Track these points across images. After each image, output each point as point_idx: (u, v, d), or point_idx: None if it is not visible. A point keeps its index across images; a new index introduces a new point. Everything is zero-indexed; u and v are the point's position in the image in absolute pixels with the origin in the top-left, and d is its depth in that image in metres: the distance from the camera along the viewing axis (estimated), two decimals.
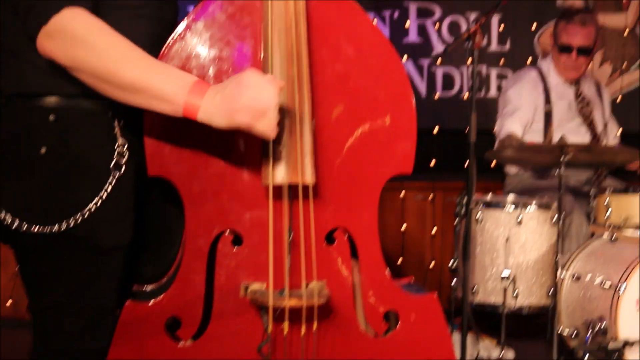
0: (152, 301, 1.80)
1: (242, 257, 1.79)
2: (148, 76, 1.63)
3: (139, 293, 1.87)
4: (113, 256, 1.80)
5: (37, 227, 1.70)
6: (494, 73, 5.61)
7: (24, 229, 1.70)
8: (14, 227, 1.70)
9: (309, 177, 1.73)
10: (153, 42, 1.77)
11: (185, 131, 1.75)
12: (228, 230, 1.79)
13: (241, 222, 1.79)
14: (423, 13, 5.56)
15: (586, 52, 4.24)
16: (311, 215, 1.76)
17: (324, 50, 1.78)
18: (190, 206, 1.79)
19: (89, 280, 1.77)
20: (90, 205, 1.72)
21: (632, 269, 3.22)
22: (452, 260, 3.86)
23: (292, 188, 1.75)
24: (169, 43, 1.75)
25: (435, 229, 5.01)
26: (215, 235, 1.79)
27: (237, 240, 1.79)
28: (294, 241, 1.77)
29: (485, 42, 5.47)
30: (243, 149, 1.77)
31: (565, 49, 4.22)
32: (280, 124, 1.68)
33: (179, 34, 1.75)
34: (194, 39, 1.75)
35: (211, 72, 1.75)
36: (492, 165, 4.84)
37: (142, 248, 1.90)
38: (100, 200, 1.73)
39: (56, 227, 1.70)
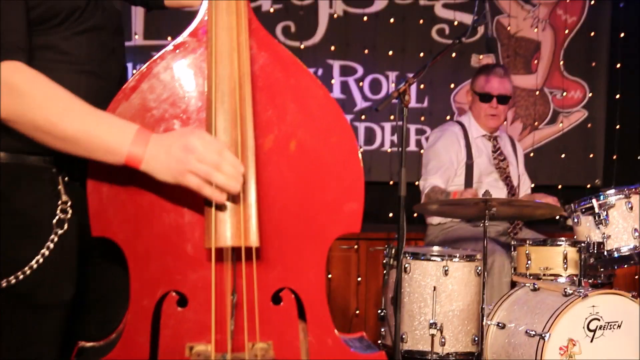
0: None
1: (187, 318, 1.66)
2: (89, 127, 1.54)
3: (83, 351, 1.72)
4: (54, 313, 1.69)
5: None
6: (413, 128, 5.62)
7: None
8: None
9: (253, 240, 1.61)
10: (97, 97, 1.67)
11: (129, 190, 1.63)
12: (173, 291, 1.66)
13: (186, 283, 1.66)
14: (345, 71, 5.56)
15: (505, 100, 4.32)
16: (254, 277, 1.65)
17: (270, 112, 1.68)
18: (134, 266, 1.66)
19: (29, 338, 1.66)
20: (32, 262, 1.62)
21: (556, 318, 3.21)
22: (380, 309, 3.81)
23: (236, 249, 1.63)
24: (114, 101, 1.63)
25: (359, 278, 4.95)
26: (160, 295, 1.66)
27: (182, 301, 1.66)
28: (238, 303, 1.65)
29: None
30: (187, 208, 1.65)
31: (487, 98, 4.28)
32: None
33: (123, 93, 1.64)
34: (139, 100, 1.64)
35: (160, 130, 1.64)
36: (415, 215, 4.83)
37: (85, 305, 1.78)
38: (42, 258, 1.63)
39: None
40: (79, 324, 1.80)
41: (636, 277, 4.94)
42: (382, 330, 3.80)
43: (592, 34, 5.90)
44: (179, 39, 1.68)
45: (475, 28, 3.75)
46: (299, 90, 1.72)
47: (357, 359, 1.75)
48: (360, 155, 1.74)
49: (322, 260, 1.74)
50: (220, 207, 1.59)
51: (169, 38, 5.04)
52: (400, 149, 3.34)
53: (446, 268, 3.59)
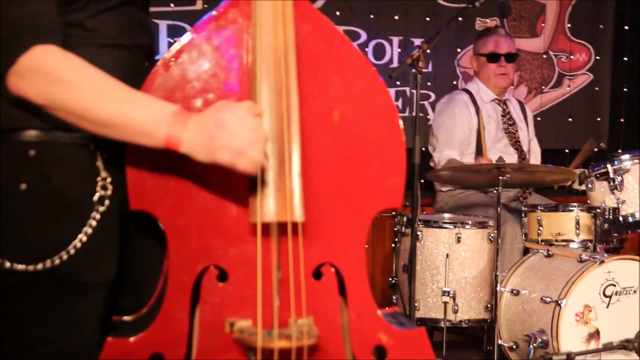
0: (133, 337, 1.65)
1: (227, 294, 1.66)
2: (126, 110, 1.52)
3: (118, 325, 1.72)
4: (97, 293, 1.67)
5: (20, 265, 1.56)
6: (415, 93, 5.57)
7: (6, 267, 1.56)
8: None
9: (298, 215, 1.60)
10: (131, 72, 1.65)
11: (169, 164, 1.61)
12: (213, 266, 1.65)
13: (227, 258, 1.65)
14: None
15: (512, 57, 4.35)
16: (300, 252, 1.64)
17: (313, 84, 1.66)
18: (173, 241, 1.64)
19: (72, 319, 1.64)
20: (75, 242, 1.59)
21: (572, 284, 3.24)
22: (391, 277, 3.83)
23: (280, 224, 1.62)
24: (152, 72, 1.61)
25: (366, 245, 4.93)
26: (200, 270, 1.65)
27: (223, 276, 1.65)
28: (282, 278, 1.64)
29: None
30: (230, 182, 1.63)
31: (495, 58, 4.29)
32: (269, 160, 1.57)
33: (163, 65, 1.61)
34: (179, 71, 1.61)
35: (198, 104, 1.61)
36: (422, 181, 4.82)
37: (120, 280, 1.75)
38: (85, 236, 1.60)
39: (40, 265, 1.57)
40: (114, 300, 1.77)
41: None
42: (394, 297, 3.83)
43: None
44: (220, 9, 1.65)
45: None
46: (341, 62, 1.70)
47: (399, 334, 1.74)
48: (402, 129, 1.73)
49: (363, 236, 1.73)
50: (265, 181, 1.57)
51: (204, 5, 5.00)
52: (414, 115, 3.33)
53: (459, 235, 3.61)
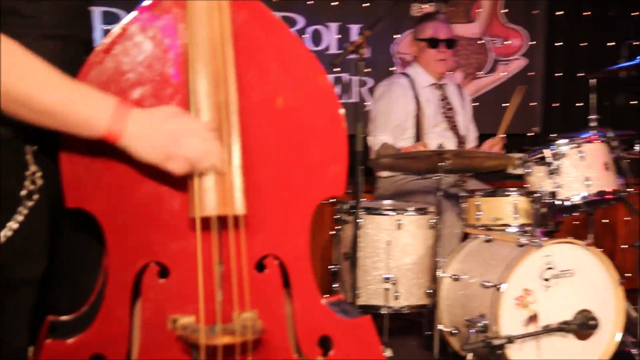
0: (73, 338, 1.60)
1: (169, 290, 1.62)
2: (68, 99, 1.47)
3: (57, 326, 1.66)
4: (25, 290, 1.62)
5: None
6: (355, 80, 5.57)
7: None
8: None
9: (239, 208, 1.58)
10: (67, 62, 1.59)
11: (106, 159, 1.57)
12: (153, 262, 1.62)
13: (167, 254, 1.62)
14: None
15: (452, 43, 4.40)
16: (242, 246, 1.61)
17: (252, 73, 1.63)
18: (112, 238, 1.60)
19: (4, 314, 1.58)
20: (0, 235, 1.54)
21: (512, 268, 3.27)
22: (332, 264, 3.84)
23: (221, 218, 1.59)
24: (86, 65, 1.56)
25: None
26: (140, 267, 1.61)
27: (164, 272, 1.62)
28: (224, 273, 1.62)
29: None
30: (168, 176, 1.58)
31: (435, 43, 4.32)
32: None
33: (96, 57, 1.56)
34: (113, 63, 1.57)
35: (135, 96, 1.57)
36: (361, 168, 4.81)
37: (57, 277, 1.71)
38: (9, 232, 1.55)
39: None
40: (49, 298, 1.72)
41: (574, 223, 5.03)
42: (335, 285, 3.83)
43: None
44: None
45: None
46: (280, 50, 1.67)
47: (344, 324, 1.73)
48: (343, 116, 1.71)
49: (306, 226, 1.71)
50: (204, 174, 1.55)
51: None
52: (355, 101, 3.34)
53: (400, 222, 3.63)
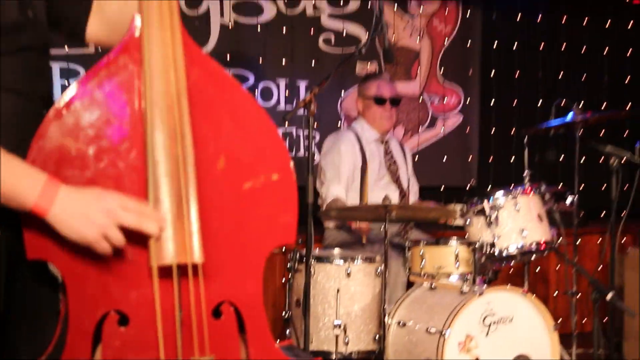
0: None
1: (129, 337, 1.59)
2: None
3: None
4: None
5: None
6: (302, 134, 5.59)
7: None
8: None
9: (197, 257, 1.56)
10: (27, 120, 1.58)
11: None
12: (113, 311, 1.58)
13: (127, 302, 1.58)
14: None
15: (396, 102, 4.44)
16: (202, 293, 1.59)
17: (207, 127, 1.62)
18: (72, 287, 1.57)
19: None
20: None
21: (455, 315, 3.28)
22: (284, 311, 3.80)
23: (180, 266, 1.57)
24: (45, 120, 1.54)
25: None
26: (100, 316, 1.58)
27: (124, 320, 1.59)
28: (183, 319, 1.59)
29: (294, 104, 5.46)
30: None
31: (381, 101, 4.35)
32: (165, 204, 1.54)
33: (55, 114, 1.54)
34: (71, 119, 1.55)
35: (91, 152, 1.55)
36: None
37: (12, 324, 1.65)
38: None
39: None
40: (7, 343, 1.67)
41: (510, 272, 5.08)
42: (287, 331, 3.78)
43: (468, 44, 6.06)
44: (111, 55, 1.60)
45: (373, 39, 3.82)
46: (232, 105, 1.67)
47: None
48: (292, 167, 1.71)
49: (259, 273, 1.69)
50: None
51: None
52: (304, 155, 3.34)
53: (348, 270, 3.61)
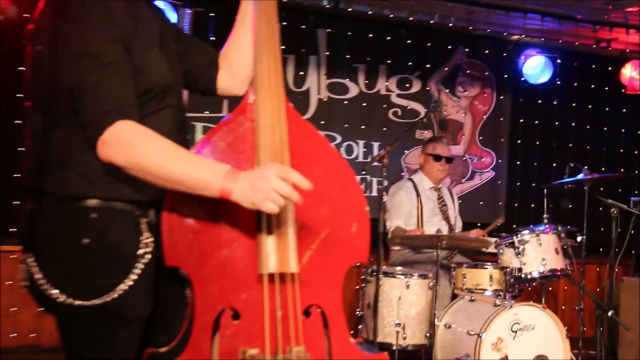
0: None
1: (240, 329, 1.47)
2: (190, 169, 1.35)
3: (156, 356, 1.51)
4: (135, 326, 1.47)
5: (80, 301, 1.38)
6: (374, 180, 5.42)
7: (67, 302, 1.38)
8: (60, 301, 1.38)
9: (294, 267, 1.45)
10: (178, 128, 1.52)
11: (194, 230, 1.44)
12: (229, 308, 1.46)
13: (239, 301, 1.47)
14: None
15: (450, 160, 4.24)
16: (297, 296, 1.47)
17: (302, 172, 1.46)
18: (198, 289, 1.46)
19: (116, 347, 1.45)
20: (122, 285, 1.41)
21: (490, 322, 3.08)
22: (357, 311, 3.63)
23: (281, 275, 1.45)
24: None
25: None
26: (219, 312, 1.46)
27: (236, 315, 1.47)
28: (282, 316, 1.46)
29: (370, 158, 5.32)
30: (239, 244, 1.46)
31: (438, 158, 4.15)
32: (273, 227, 1.43)
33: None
34: (208, 154, 1.47)
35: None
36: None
37: (155, 318, 1.54)
38: (130, 282, 1.42)
39: (95, 301, 1.39)
40: (149, 327, 1.56)
41: (529, 289, 4.79)
42: (360, 326, 3.61)
43: (500, 119, 5.82)
44: (231, 116, 1.51)
45: (429, 114, 3.69)
46: (321, 156, 1.56)
47: (368, 358, 1.56)
48: (367, 206, 1.58)
49: (340, 283, 1.55)
50: (269, 242, 1.42)
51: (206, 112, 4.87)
52: (378, 196, 3.21)
53: (408, 283, 3.43)
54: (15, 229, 3.96)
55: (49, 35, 1.38)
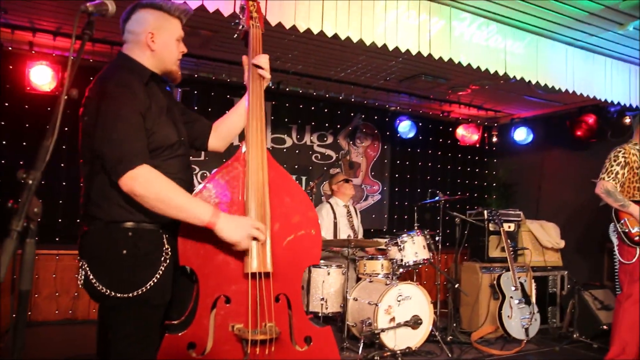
0: (179, 334, 1.42)
1: (230, 310, 1.46)
2: (188, 203, 1.36)
3: (170, 326, 1.47)
4: (160, 310, 1.45)
5: (121, 294, 1.36)
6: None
7: (112, 295, 1.35)
8: (107, 294, 1.35)
9: (269, 268, 1.46)
10: (185, 169, 1.51)
11: (200, 244, 1.44)
12: (222, 295, 1.46)
13: (230, 291, 1.46)
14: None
15: (348, 181, 4.28)
16: (270, 287, 1.48)
17: (276, 201, 1.53)
18: (202, 282, 1.45)
19: (149, 325, 1.43)
20: (150, 282, 1.39)
21: (382, 295, 3.15)
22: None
23: (260, 273, 1.46)
24: (196, 192, 1.45)
25: None
26: (216, 297, 1.45)
27: (228, 300, 1.46)
28: (260, 301, 1.46)
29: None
30: (231, 253, 1.46)
31: (347, 181, 4.21)
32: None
33: (201, 187, 1.46)
34: (207, 190, 1.47)
35: (218, 200, 1.44)
36: None
37: (171, 301, 1.51)
38: (156, 279, 1.40)
39: (132, 293, 1.36)
40: (167, 310, 1.53)
41: (406, 272, 4.91)
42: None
43: (385, 160, 5.98)
44: (229, 162, 1.52)
45: (340, 157, 3.75)
46: (289, 189, 1.58)
47: (316, 328, 1.58)
48: (319, 224, 1.61)
49: (300, 277, 1.57)
50: (252, 250, 1.43)
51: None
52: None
53: (328, 271, 3.47)
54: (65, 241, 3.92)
55: (93, 111, 1.36)
